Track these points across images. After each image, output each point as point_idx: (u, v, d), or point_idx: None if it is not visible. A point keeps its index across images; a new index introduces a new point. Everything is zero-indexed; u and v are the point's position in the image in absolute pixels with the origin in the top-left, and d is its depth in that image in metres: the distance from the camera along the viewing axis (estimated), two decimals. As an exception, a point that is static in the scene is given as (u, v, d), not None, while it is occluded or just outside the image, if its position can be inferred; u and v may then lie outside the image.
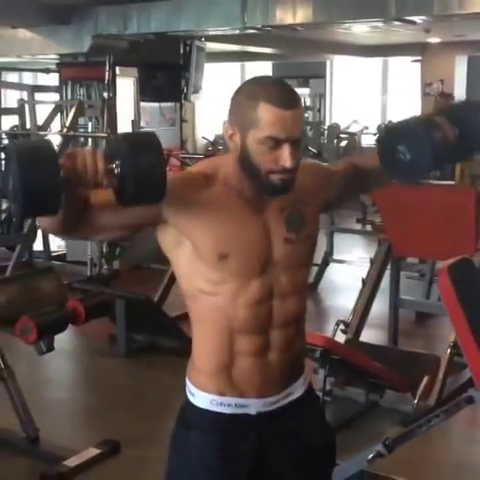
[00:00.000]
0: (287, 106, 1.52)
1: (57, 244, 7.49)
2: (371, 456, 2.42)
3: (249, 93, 1.56)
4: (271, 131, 1.52)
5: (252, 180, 1.59)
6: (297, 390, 1.70)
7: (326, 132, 10.61)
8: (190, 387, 1.68)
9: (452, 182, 4.10)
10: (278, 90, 1.55)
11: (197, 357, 1.67)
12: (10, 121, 7.76)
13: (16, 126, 7.40)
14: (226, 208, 1.60)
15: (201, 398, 1.65)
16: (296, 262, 1.65)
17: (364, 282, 4.43)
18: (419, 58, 11.07)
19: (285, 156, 1.53)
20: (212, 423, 1.63)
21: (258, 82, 1.59)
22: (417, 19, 5.85)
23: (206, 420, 1.63)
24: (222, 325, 1.61)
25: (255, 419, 1.64)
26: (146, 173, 1.43)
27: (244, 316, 1.60)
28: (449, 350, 3.69)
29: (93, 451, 3.33)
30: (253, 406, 1.64)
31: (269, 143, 1.53)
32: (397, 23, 6.11)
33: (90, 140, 6.51)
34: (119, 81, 7.31)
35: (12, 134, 7.43)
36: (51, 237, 7.07)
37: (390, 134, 1.72)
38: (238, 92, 1.58)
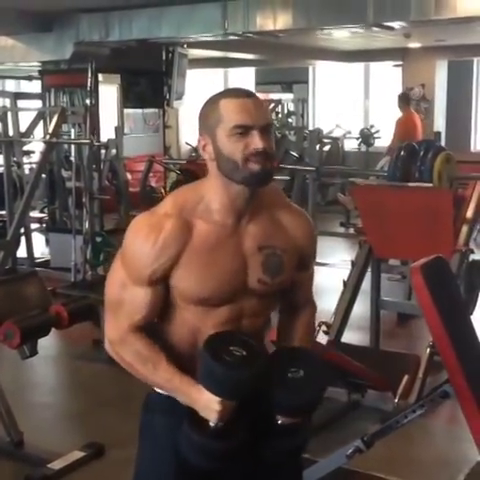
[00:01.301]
0: (245, 95, 1.59)
1: (41, 251, 7.48)
2: (350, 452, 2.45)
3: (210, 101, 1.63)
4: (236, 119, 1.57)
5: (233, 176, 1.59)
6: None
7: (309, 137, 10.66)
8: None
9: (430, 184, 4.14)
10: (234, 89, 1.65)
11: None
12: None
13: (-1, 133, 7.37)
14: (207, 249, 1.62)
15: None
16: (268, 293, 1.71)
17: (345, 284, 4.47)
18: (400, 63, 11.17)
19: (256, 141, 1.56)
20: (173, 406, 1.68)
21: (216, 93, 1.65)
22: (395, 25, 5.92)
23: (168, 403, 1.68)
24: (188, 334, 1.65)
25: None
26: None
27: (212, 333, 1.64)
28: (428, 349, 3.73)
29: (77, 454, 3.35)
30: None
31: (237, 132, 1.56)
32: (376, 29, 6.18)
33: (73, 147, 6.52)
34: (102, 88, 7.32)
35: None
36: (35, 244, 7.07)
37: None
38: (202, 107, 1.65)
